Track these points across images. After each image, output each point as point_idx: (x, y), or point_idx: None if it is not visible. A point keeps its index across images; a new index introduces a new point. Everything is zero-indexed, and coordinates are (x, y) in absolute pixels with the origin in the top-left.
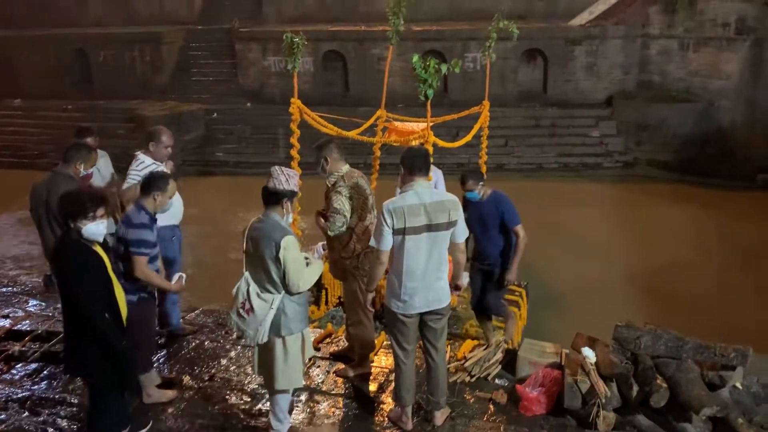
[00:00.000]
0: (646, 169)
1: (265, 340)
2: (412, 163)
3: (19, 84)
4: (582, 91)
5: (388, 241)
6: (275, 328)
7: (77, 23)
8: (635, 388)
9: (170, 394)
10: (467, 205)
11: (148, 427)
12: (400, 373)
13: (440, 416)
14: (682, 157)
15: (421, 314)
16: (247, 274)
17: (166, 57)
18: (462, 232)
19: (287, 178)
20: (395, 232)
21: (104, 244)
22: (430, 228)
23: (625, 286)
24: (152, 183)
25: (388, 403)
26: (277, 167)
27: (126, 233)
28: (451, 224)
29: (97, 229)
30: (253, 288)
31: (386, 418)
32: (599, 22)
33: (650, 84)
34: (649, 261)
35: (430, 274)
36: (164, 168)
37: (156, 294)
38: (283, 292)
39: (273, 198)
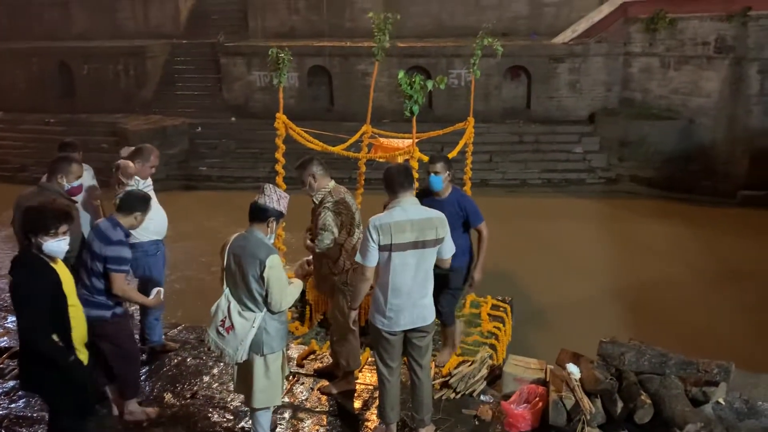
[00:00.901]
0: (629, 185)
1: (245, 358)
2: (393, 180)
3: (1, 96)
4: (565, 108)
5: (373, 257)
6: (256, 347)
7: (61, 36)
8: (620, 405)
9: (151, 411)
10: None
11: None
12: (384, 391)
13: None
14: (665, 174)
15: (406, 331)
16: (227, 291)
17: (150, 71)
18: (449, 248)
19: (279, 198)
20: (381, 248)
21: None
22: (416, 245)
23: (609, 301)
24: (137, 203)
25: (372, 420)
26: (270, 185)
27: (104, 250)
28: (438, 241)
29: (58, 246)
30: (234, 306)
31: None
32: (582, 40)
33: (632, 101)
34: (633, 277)
35: (415, 292)
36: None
37: (129, 310)
38: (264, 310)
39: (261, 214)
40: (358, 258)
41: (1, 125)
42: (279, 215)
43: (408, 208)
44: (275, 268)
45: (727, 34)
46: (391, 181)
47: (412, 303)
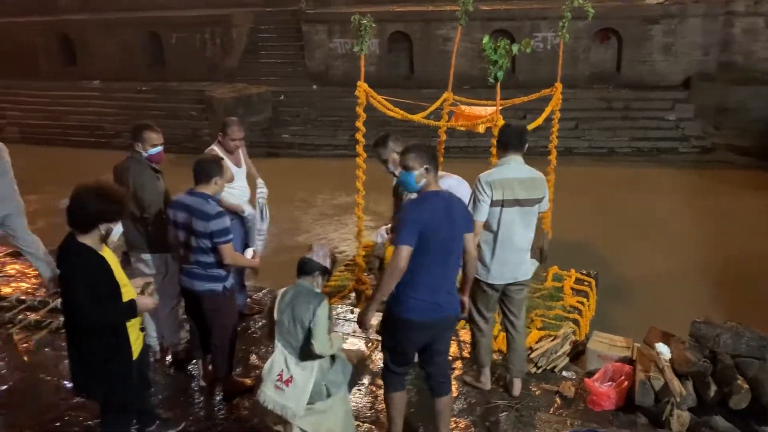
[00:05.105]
0: (725, 155)
1: (303, 412)
2: (506, 140)
3: (97, 66)
4: (658, 73)
5: (484, 212)
6: (317, 395)
7: (151, 6)
8: (713, 388)
9: (248, 381)
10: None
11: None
12: (480, 340)
13: (518, 384)
14: (765, 143)
15: (504, 285)
16: (279, 346)
17: (235, 39)
18: (546, 204)
19: (324, 256)
20: (493, 203)
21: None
22: (523, 202)
23: (700, 279)
24: (212, 168)
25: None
26: (318, 244)
27: (208, 227)
28: (539, 200)
29: (118, 230)
30: (290, 358)
31: (462, 381)
32: (678, 0)
33: (732, 65)
34: (727, 253)
35: (523, 247)
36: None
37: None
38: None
39: (308, 268)
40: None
41: (96, 93)
42: (324, 271)
43: (515, 166)
44: (322, 315)
45: None
46: (507, 139)
47: (520, 258)
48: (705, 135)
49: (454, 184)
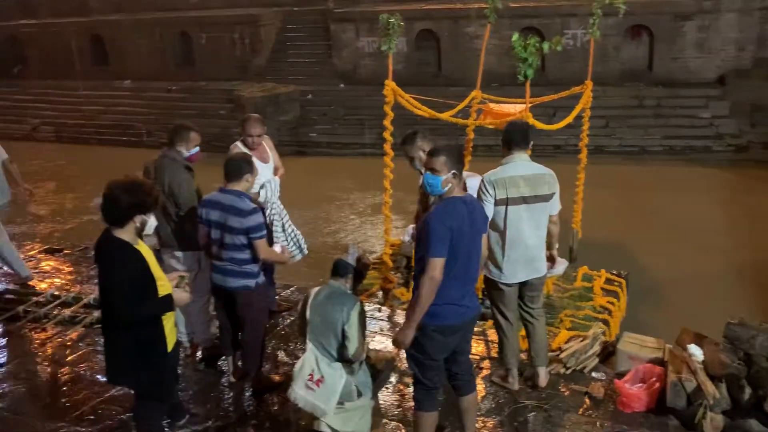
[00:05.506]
0: (761, 153)
1: (334, 412)
2: (510, 138)
3: (128, 66)
4: (691, 70)
5: (489, 212)
6: (347, 395)
7: (181, 6)
8: (748, 391)
9: (277, 378)
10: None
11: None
12: (505, 341)
13: (544, 374)
14: None
15: (519, 283)
16: (311, 345)
17: (264, 39)
18: (557, 204)
19: (359, 259)
20: (498, 203)
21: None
22: (529, 199)
23: (734, 280)
24: (243, 166)
25: (479, 390)
26: (354, 245)
27: (244, 223)
28: (549, 197)
29: (152, 222)
30: (321, 358)
31: (490, 381)
32: None
33: None
34: (762, 254)
35: (534, 245)
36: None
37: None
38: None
39: (342, 270)
40: None
41: (128, 93)
42: (357, 273)
43: (520, 164)
44: (356, 318)
45: None
46: (510, 137)
47: (532, 256)
48: (740, 133)
49: (475, 185)
